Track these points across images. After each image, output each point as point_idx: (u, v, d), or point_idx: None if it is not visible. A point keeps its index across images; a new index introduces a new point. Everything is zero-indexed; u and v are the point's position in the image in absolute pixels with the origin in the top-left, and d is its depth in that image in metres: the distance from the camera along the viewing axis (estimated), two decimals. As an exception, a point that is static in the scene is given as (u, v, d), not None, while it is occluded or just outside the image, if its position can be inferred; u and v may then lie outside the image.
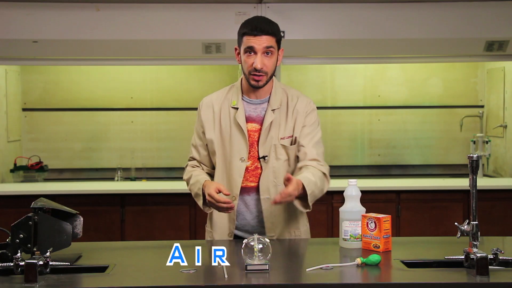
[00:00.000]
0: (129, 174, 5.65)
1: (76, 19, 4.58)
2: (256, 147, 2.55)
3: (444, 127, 5.89)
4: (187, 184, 2.64)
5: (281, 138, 2.55)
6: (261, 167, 2.55)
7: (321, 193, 2.53)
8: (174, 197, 4.59)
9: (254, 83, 2.49)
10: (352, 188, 2.40)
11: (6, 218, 3.85)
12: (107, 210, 4.60)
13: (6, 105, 5.36)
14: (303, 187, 2.38)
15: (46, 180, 5.45)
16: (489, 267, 1.95)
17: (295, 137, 2.57)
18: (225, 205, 2.38)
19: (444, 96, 5.87)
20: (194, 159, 2.68)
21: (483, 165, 5.63)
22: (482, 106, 5.87)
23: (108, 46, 4.68)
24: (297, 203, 2.46)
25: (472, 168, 2.04)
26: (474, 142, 5.57)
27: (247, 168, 2.54)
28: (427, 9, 4.69)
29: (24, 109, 5.71)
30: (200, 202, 2.54)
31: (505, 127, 5.50)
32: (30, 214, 2.08)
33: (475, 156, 2.04)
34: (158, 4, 4.61)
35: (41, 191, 4.51)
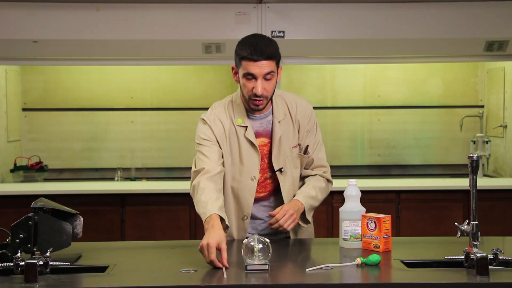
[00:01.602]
0: (129, 174, 5.65)
1: (76, 19, 4.58)
2: (266, 160, 2.52)
3: (444, 127, 5.89)
4: (193, 197, 2.43)
5: (293, 147, 2.55)
6: (272, 178, 2.53)
7: (322, 201, 2.60)
8: (174, 197, 4.59)
9: (254, 107, 2.44)
10: (352, 188, 2.40)
11: (6, 218, 3.85)
12: (107, 210, 4.60)
13: (6, 105, 5.36)
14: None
15: (46, 180, 5.45)
16: (489, 267, 1.95)
17: (307, 145, 2.58)
18: (215, 264, 2.08)
19: (444, 96, 5.87)
20: (204, 170, 2.41)
21: (483, 165, 5.63)
22: (482, 106, 5.87)
23: (108, 46, 4.68)
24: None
25: (472, 168, 2.04)
26: (474, 142, 5.57)
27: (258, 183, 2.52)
28: (427, 9, 4.69)
29: (24, 109, 5.72)
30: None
31: (505, 127, 5.50)
32: (30, 214, 2.08)
33: (475, 156, 2.04)
34: (158, 4, 4.61)
35: (41, 191, 4.51)
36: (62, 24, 4.58)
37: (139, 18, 4.61)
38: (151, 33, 4.63)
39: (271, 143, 2.52)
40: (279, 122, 2.52)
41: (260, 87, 2.37)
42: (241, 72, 2.41)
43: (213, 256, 2.05)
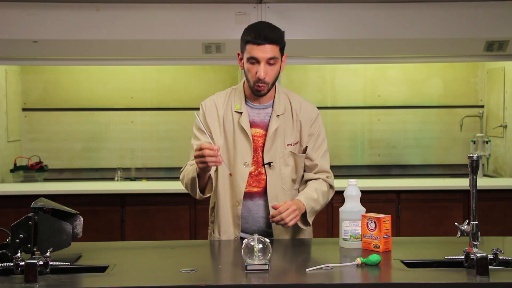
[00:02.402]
0: (129, 174, 5.65)
1: (76, 19, 4.58)
2: (261, 153, 2.53)
3: (444, 127, 5.90)
4: (183, 182, 2.54)
5: (288, 145, 2.55)
6: (265, 172, 2.54)
7: (323, 206, 2.60)
8: (174, 197, 4.59)
9: (257, 93, 2.49)
10: (352, 188, 2.40)
11: (6, 218, 3.86)
12: (107, 210, 4.60)
13: (6, 105, 5.36)
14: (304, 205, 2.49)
15: (46, 180, 5.45)
16: (489, 267, 1.95)
17: (306, 146, 2.58)
18: (211, 154, 2.24)
19: (444, 96, 5.88)
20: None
21: (483, 165, 5.64)
22: (482, 106, 5.87)
23: (108, 46, 4.68)
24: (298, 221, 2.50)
25: (472, 168, 2.04)
26: (474, 142, 5.57)
27: (250, 173, 2.52)
28: (427, 9, 4.69)
29: (24, 109, 5.72)
30: (196, 190, 2.43)
31: (505, 127, 5.50)
32: (30, 214, 2.08)
33: (475, 156, 2.04)
34: (158, 4, 4.61)
35: (41, 191, 4.51)
36: (62, 24, 4.58)
37: (139, 18, 4.61)
38: (151, 33, 4.63)
39: (266, 135, 2.53)
40: (277, 116, 2.54)
41: (262, 71, 2.42)
42: (245, 57, 2.46)
43: (205, 152, 2.23)
